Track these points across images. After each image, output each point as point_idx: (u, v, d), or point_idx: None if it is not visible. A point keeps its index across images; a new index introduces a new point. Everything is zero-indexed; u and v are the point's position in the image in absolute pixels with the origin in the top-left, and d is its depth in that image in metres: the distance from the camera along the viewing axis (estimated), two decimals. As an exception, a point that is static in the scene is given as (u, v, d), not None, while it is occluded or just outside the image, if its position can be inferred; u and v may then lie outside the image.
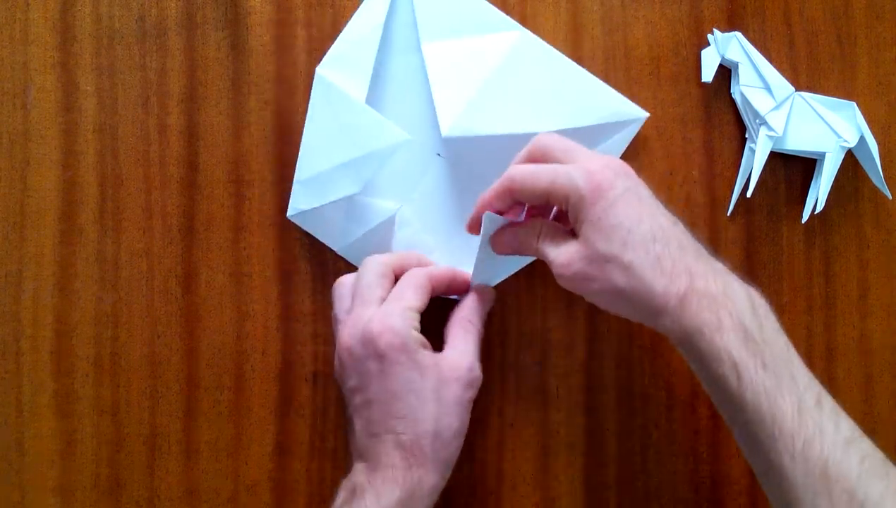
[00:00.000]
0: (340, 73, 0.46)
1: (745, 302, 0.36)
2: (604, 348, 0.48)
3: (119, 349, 0.47)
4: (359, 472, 0.39)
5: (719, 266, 0.37)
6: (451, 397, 0.39)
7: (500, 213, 0.42)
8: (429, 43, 0.46)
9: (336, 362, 0.41)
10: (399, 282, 0.42)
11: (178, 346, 0.47)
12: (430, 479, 0.38)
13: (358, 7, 0.47)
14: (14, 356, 0.47)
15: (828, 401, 0.34)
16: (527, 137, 0.41)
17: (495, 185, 0.40)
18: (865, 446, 0.33)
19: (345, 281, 0.43)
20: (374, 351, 0.39)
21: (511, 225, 0.42)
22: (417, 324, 0.40)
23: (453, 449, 0.40)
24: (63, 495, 0.47)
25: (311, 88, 0.47)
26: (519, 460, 0.47)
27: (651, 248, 0.36)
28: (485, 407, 0.47)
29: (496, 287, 0.47)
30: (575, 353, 0.48)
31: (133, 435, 0.47)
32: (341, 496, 0.39)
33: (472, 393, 0.41)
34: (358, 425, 0.40)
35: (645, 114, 0.47)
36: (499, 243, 0.42)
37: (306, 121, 0.46)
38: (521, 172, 0.39)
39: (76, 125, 0.47)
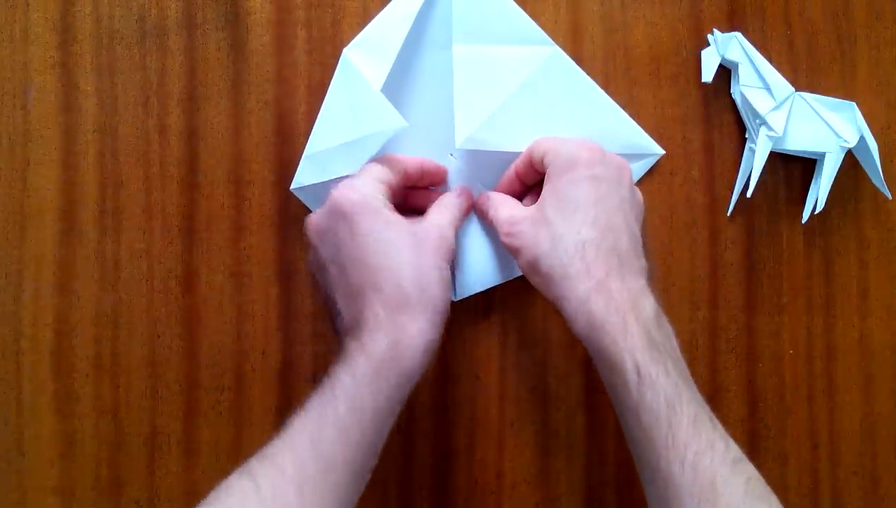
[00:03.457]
0: (365, 56, 0.45)
1: (653, 317, 0.36)
2: (604, 348, 0.48)
3: (119, 349, 0.47)
4: (347, 342, 0.37)
5: (641, 284, 0.37)
6: (427, 253, 0.38)
7: (522, 186, 0.45)
8: (461, 45, 0.45)
9: (309, 254, 0.40)
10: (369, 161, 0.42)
11: (178, 346, 0.47)
12: (417, 323, 0.37)
13: (358, 6, 0.47)
14: (14, 356, 0.47)
15: (718, 423, 0.35)
16: None
17: (524, 150, 0.44)
18: (751, 469, 0.34)
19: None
20: (339, 215, 0.38)
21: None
22: (385, 195, 0.40)
23: (439, 293, 0.38)
24: (63, 495, 0.47)
25: (310, 88, 0.47)
26: (519, 460, 0.47)
27: (585, 233, 0.37)
28: (485, 407, 0.47)
29: (499, 289, 0.47)
30: (575, 353, 0.48)
31: (133, 435, 0.47)
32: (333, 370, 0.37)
33: (445, 258, 0.39)
34: (340, 300, 0.39)
35: (661, 152, 0.47)
36: (476, 207, 0.45)
37: (325, 98, 0.46)
38: (542, 137, 0.43)
39: (76, 125, 0.47)
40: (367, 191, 0.39)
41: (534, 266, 0.38)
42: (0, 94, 0.47)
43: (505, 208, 0.42)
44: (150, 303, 0.47)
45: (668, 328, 0.37)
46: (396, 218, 0.39)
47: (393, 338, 0.36)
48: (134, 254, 0.47)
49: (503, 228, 0.41)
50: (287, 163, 0.47)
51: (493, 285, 0.47)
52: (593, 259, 0.37)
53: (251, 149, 0.47)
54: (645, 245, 0.40)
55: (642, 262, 0.39)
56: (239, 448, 0.47)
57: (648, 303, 0.37)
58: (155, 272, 0.47)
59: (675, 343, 0.37)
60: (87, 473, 0.47)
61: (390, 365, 0.36)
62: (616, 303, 0.36)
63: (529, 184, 0.45)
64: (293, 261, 0.47)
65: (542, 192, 0.40)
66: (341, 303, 0.39)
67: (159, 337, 0.47)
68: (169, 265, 0.47)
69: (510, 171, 0.45)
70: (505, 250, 0.46)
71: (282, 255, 0.47)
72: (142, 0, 0.47)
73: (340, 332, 0.39)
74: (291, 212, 0.47)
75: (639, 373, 0.34)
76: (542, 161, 0.41)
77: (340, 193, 0.39)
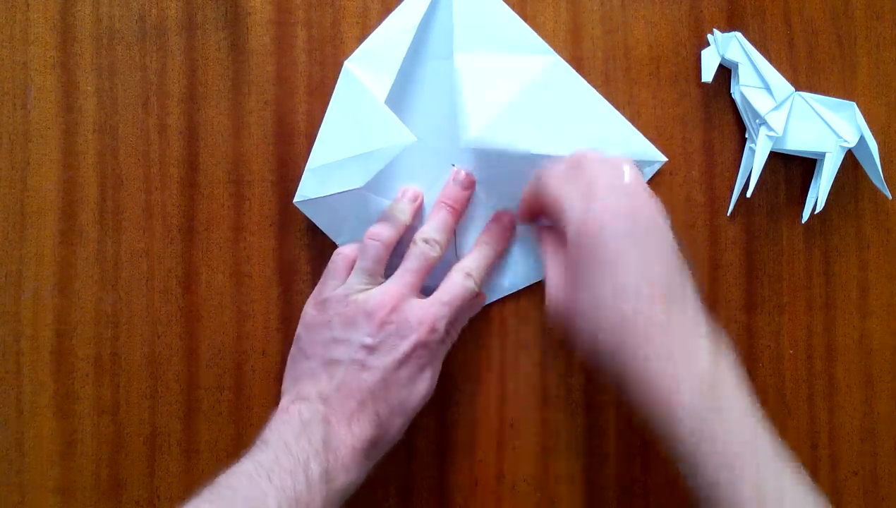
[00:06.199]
0: (367, 68, 0.45)
1: (708, 366, 0.34)
2: (604, 348, 0.48)
3: (119, 349, 0.47)
4: (319, 409, 0.39)
5: (689, 319, 0.36)
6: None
7: (535, 210, 0.44)
8: (462, 53, 0.45)
9: (347, 308, 0.41)
10: (447, 283, 0.43)
11: (178, 346, 0.47)
12: (395, 426, 0.41)
13: (358, 6, 0.47)
14: (14, 356, 0.47)
15: (792, 488, 0.34)
16: (546, 160, 0.43)
17: (529, 183, 0.43)
18: None
19: (346, 252, 0.44)
20: (415, 337, 0.40)
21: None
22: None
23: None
24: (63, 495, 0.47)
25: (310, 88, 0.47)
26: (519, 460, 0.47)
27: (622, 305, 0.36)
28: (485, 407, 0.47)
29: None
30: (575, 353, 0.48)
31: (133, 435, 0.47)
32: (301, 414, 0.39)
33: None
34: (344, 376, 0.40)
35: (663, 159, 0.47)
36: (520, 215, 0.46)
37: (327, 111, 0.46)
38: (546, 173, 0.40)
39: (76, 125, 0.47)
40: (440, 338, 0.41)
41: (592, 351, 0.37)
42: (0, 94, 0.47)
43: (549, 283, 0.40)
44: (150, 303, 0.47)
45: (729, 376, 0.35)
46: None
47: (376, 435, 0.40)
48: (134, 254, 0.47)
49: (547, 311, 0.40)
50: (287, 163, 0.47)
51: (518, 289, 0.47)
52: (633, 321, 0.35)
53: (251, 149, 0.47)
54: (681, 243, 0.38)
55: (687, 289, 0.37)
56: (239, 448, 0.47)
57: (706, 353, 0.35)
58: (155, 272, 0.47)
59: (733, 383, 0.35)
60: (87, 473, 0.47)
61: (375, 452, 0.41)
62: (665, 363, 0.34)
63: (536, 209, 0.44)
64: (293, 261, 0.47)
65: (572, 274, 0.38)
66: (342, 383, 0.40)
67: (159, 337, 0.47)
68: (169, 265, 0.47)
69: (524, 202, 0.44)
70: (527, 254, 0.47)
71: (282, 255, 0.47)
72: (142, 0, 0.47)
73: (311, 385, 0.41)
74: (291, 211, 0.47)
75: (693, 461, 0.33)
76: (551, 215, 0.40)
77: (430, 320, 0.41)
